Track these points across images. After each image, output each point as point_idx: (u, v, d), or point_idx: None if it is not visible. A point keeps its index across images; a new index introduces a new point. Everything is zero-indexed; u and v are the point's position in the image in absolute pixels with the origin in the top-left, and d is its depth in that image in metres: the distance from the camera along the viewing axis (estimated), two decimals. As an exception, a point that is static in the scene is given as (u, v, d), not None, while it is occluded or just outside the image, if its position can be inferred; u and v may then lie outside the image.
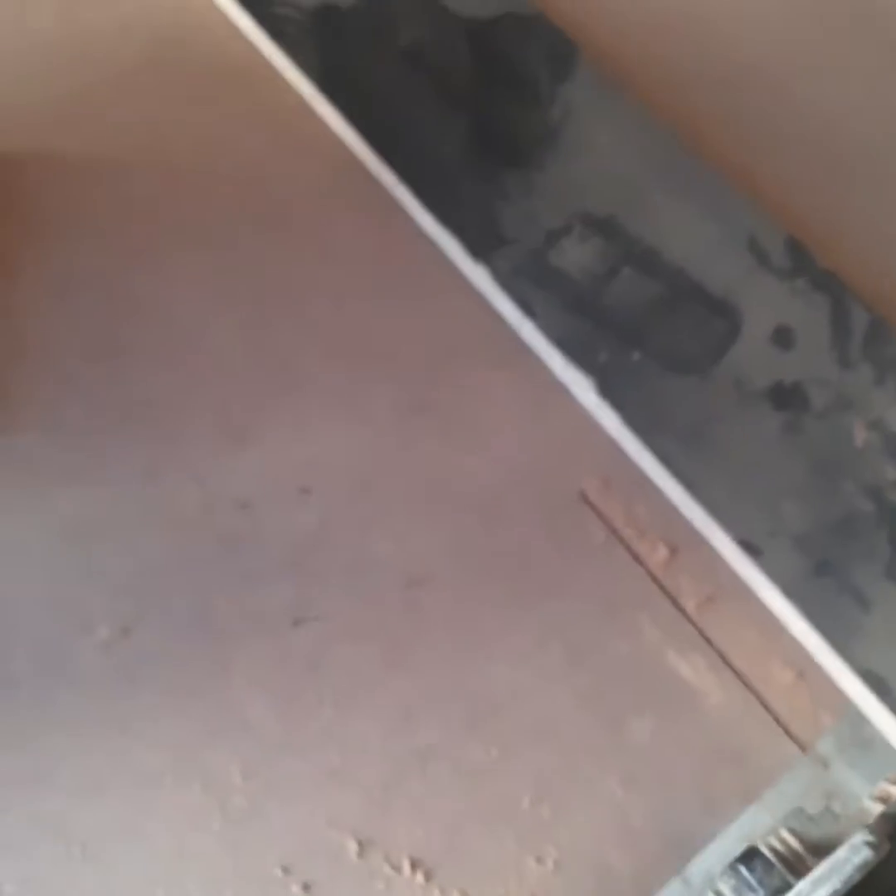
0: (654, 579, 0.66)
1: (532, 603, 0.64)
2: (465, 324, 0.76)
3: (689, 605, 0.66)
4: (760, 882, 0.49)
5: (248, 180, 0.81)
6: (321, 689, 0.59)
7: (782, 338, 0.79)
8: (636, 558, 0.67)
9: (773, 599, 0.68)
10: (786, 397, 0.76)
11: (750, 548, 0.68)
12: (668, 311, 0.80)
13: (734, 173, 0.88)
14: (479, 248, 0.79)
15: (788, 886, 0.47)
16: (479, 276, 0.78)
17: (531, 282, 0.79)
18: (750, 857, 0.50)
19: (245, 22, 0.92)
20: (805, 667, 0.65)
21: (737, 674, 0.63)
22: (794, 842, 0.53)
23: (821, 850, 0.51)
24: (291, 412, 0.69)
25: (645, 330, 0.78)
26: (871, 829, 0.48)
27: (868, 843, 0.47)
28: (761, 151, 0.93)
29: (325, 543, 0.64)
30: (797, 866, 0.51)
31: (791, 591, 0.67)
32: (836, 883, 0.45)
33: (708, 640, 0.64)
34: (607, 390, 0.74)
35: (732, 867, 0.50)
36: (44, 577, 0.61)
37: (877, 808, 0.54)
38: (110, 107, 0.85)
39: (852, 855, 0.46)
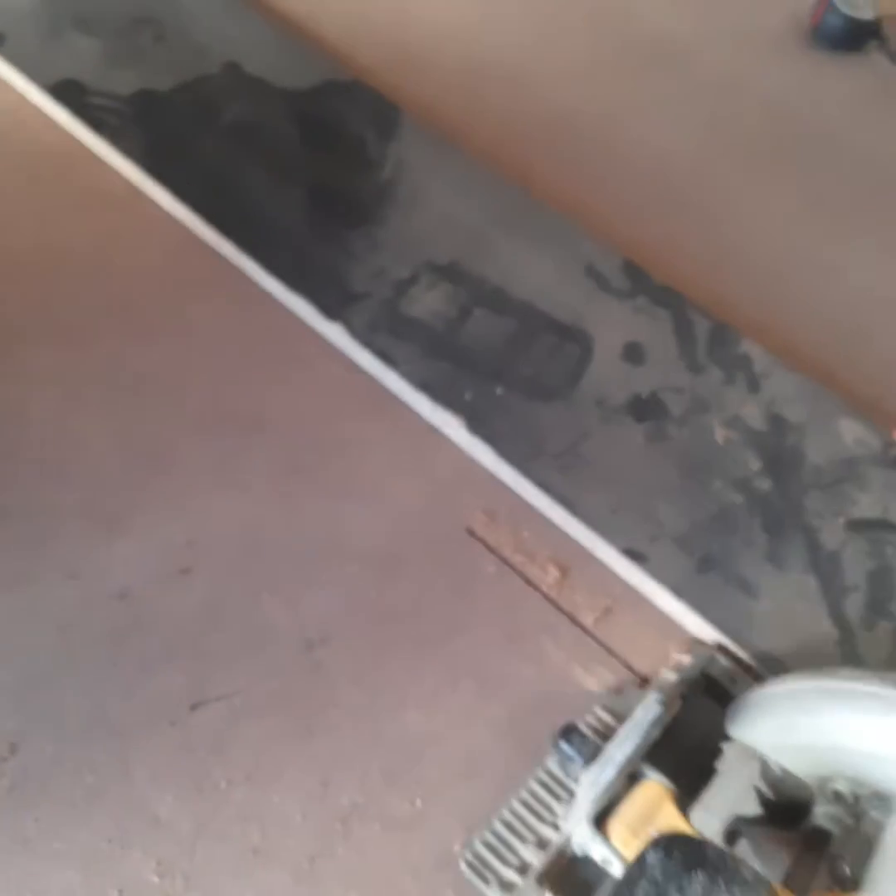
0: (550, 601, 0.67)
1: (436, 644, 0.64)
2: (329, 382, 0.76)
3: (588, 621, 0.67)
4: (578, 751, 0.54)
5: (90, 272, 0.80)
6: (230, 771, 0.56)
7: (633, 353, 0.83)
8: (530, 583, 0.68)
9: (666, 601, 0.69)
10: (645, 408, 0.80)
11: (635, 555, 0.70)
12: (523, 344, 0.82)
13: (564, 207, 0.93)
14: (331, 307, 0.80)
15: (600, 750, 0.52)
16: (335, 334, 0.79)
17: (388, 332, 0.80)
18: (568, 731, 0.55)
19: (62, 116, 0.91)
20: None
21: (639, 678, 0.64)
22: (606, 716, 0.58)
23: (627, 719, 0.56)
24: (163, 494, 0.67)
25: (504, 364, 0.80)
26: (661, 690, 0.54)
27: (658, 702, 0.52)
28: (586, 186, 0.99)
29: (215, 621, 0.62)
30: (608, 734, 0.55)
31: (681, 590, 0.69)
32: (635, 738, 0.51)
33: (610, 651, 0.65)
34: (477, 426, 0.75)
35: (554, 744, 0.55)
36: (-87, 706, 0.56)
37: (671, 677, 0.60)
38: (-70, 212, 0.82)
39: (646, 713, 0.52)
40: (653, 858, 0.39)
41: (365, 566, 0.67)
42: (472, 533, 0.70)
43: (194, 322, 0.78)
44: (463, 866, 0.53)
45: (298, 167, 0.91)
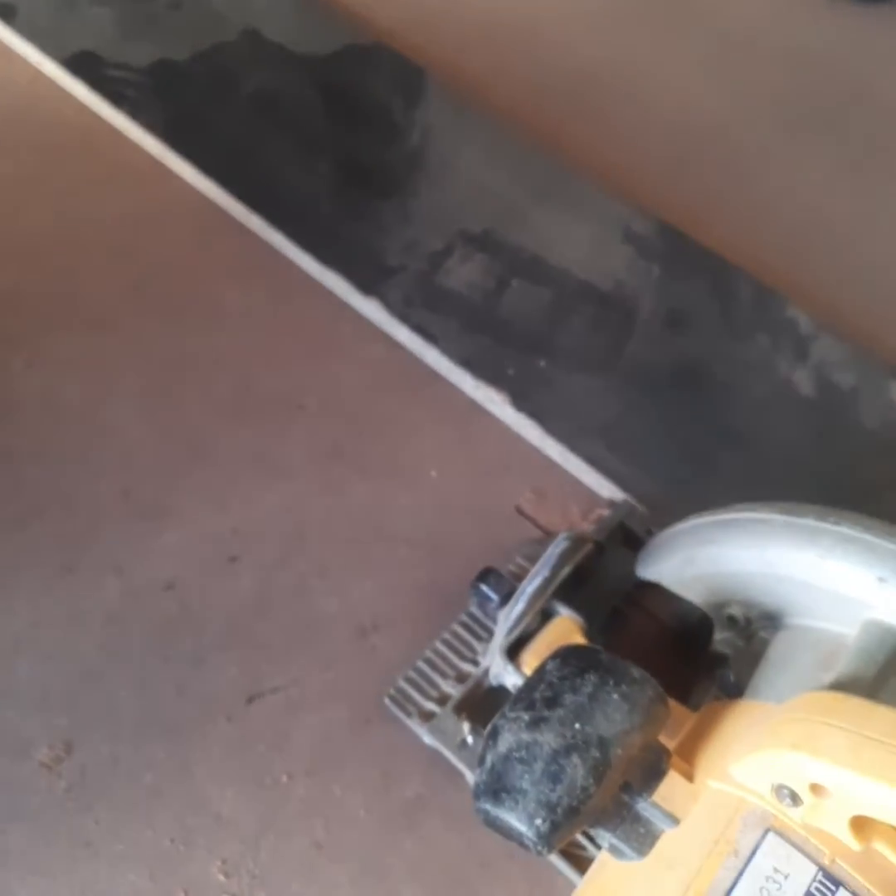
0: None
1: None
2: (367, 360, 0.74)
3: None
4: (495, 591, 0.56)
5: (115, 252, 0.77)
6: (290, 765, 0.55)
7: (675, 320, 0.80)
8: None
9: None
10: (690, 377, 0.77)
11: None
12: (563, 314, 0.80)
13: (593, 168, 0.90)
14: (366, 282, 0.78)
15: (515, 588, 0.54)
16: (371, 310, 0.77)
17: (424, 307, 0.77)
18: (486, 573, 0.57)
19: (79, 90, 0.89)
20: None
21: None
22: (525, 563, 0.61)
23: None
24: (203, 482, 0.66)
25: (545, 336, 0.78)
26: (572, 531, 0.57)
27: (566, 538, 0.55)
28: (614, 145, 0.95)
29: (265, 610, 0.61)
30: (523, 576, 0.56)
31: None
32: (544, 571, 0.53)
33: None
34: (522, 402, 0.73)
35: (473, 586, 0.57)
36: (-36, 706, 0.55)
37: (588, 527, 0.64)
38: (-50, 195, 0.80)
39: (555, 548, 0.55)
40: (551, 666, 0.41)
41: (414, 548, 0.65)
42: (520, 511, 0.68)
43: (224, 302, 0.76)
44: (386, 701, 0.57)
45: (323, 137, 0.88)
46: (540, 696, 0.39)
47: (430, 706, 0.56)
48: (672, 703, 0.43)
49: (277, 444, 0.68)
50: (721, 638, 0.52)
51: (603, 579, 0.57)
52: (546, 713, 0.38)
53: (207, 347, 0.72)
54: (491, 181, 0.87)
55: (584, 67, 1.04)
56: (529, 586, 0.53)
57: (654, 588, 0.54)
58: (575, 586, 0.55)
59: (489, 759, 0.38)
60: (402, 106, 0.93)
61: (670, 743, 0.41)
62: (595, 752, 0.37)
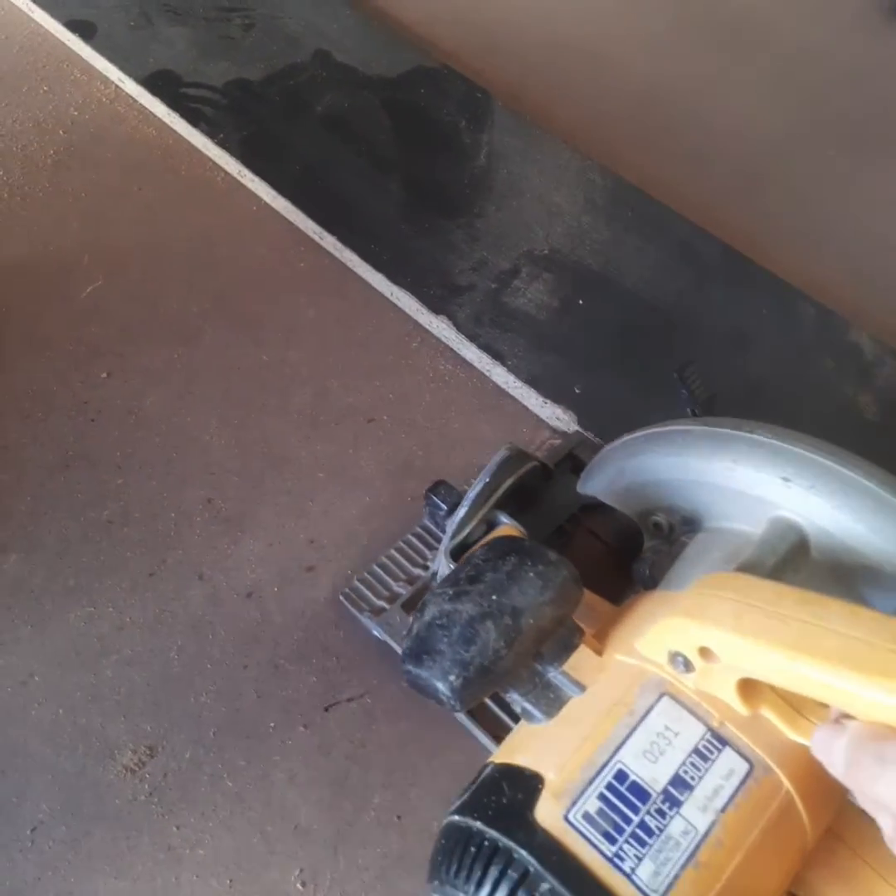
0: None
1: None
2: (436, 377, 0.75)
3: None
4: (444, 501, 0.59)
5: (194, 267, 0.79)
6: (367, 774, 0.56)
7: (739, 341, 0.81)
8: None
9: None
10: (754, 396, 0.78)
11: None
12: (629, 333, 0.80)
13: (655, 189, 0.91)
14: (435, 301, 0.79)
15: (461, 497, 0.56)
16: (441, 328, 0.78)
17: (492, 325, 0.78)
18: (437, 485, 0.60)
19: (159, 108, 0.91)
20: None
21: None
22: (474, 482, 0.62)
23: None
24: (280, 491, 0.67)
25: (611, 355, 0.78)
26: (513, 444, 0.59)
27: (506, 448, 0.58)
28: (675, 167, 0.96)
29: (341, 619, 0.62)
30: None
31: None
32: (485, 477, 0.56)
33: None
34: (588, 420, 0.74)
35: (425, 496, 0.60)
36: (52, 707, 0.56)
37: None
38: (37, 208, 0.82)
39: (496, 457, 0.57)
40: (479, 551, 0.45)
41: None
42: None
43: (300, 317, 0.77)
44: (341, 598, 0.61)
45: (393, 157, 0.90)
46: (464, 575, 0.43)
47: (381, 603, 0.61)
48: (599, 600, 0.48)
49: (351, 457, 0.69)
50: (649, 546, 0.56)
51: (550, 503, 0.62)
52: (468, 588, 0.42)
53: (284, 361, 0.74)
54: (556, 201, 0.88)
55: (645, 89, 1.05)
56: (472, 491, 0.55)
57: (597, 510, 0.60)
58: (522, 508, 0.57)
59: (415, 627, 0.42)
60: (469, 127, 0.94)
61: (591, 631, 0.44)
62: (507, 620, 0.41)
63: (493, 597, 0.41)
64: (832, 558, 0.46)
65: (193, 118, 0.89)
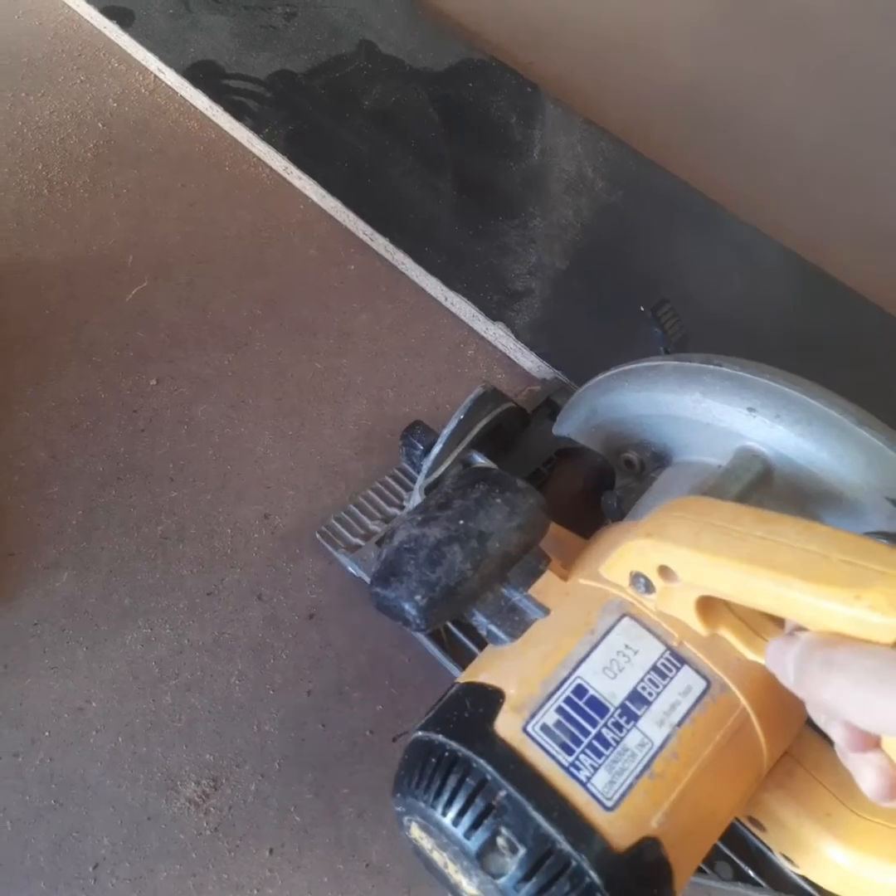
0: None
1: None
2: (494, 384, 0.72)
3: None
4: (420, 441, 0.60)
5: (242, 268, 0.77)
6: (438, 808, 0.54)
7: (802, 346, 0.78)
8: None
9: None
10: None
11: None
12: (690, 340, 0.78)
13: (708, 188, 0.88)
14: (491, 307, 0.76)
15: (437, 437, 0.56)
16: (498, 335, 0.75)
17: (550, 333, 0.76)
18: (413, 425, 0.60)
19: (201, 100, 0.88)
20: None
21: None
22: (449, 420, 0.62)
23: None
24: (342, 509, 0.64)
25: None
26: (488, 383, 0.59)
27: (481, 386, 0.58)
28: (728, 165, 0.93)
29: (406, 645, 0.59)
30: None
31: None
32: (460, 415, 0.55)
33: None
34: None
35: (402, 437, 0.60)
36: (111, 734, 0.54)
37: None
38: (78, 204, 0.79)
39: (470, 395, 0.57)
40: (449, 480, 0.47)
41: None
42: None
43: (352, 323, 0.75)
44: (317, 536, 0.62)
45: (443, 154, 0.87)
46: (434, 503, 0.44)
47: (357, 541, 0.61)
48: (569, 535, 0.49)
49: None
50: (621, 484, 0.57)
51: (527, 447, 0.63)
52: (436, 514, 0.43)
53: (337, 369, 0.71)
54: (612, 201, 0.85)
55: (695, 84, 1.02)
56: (446, 429, 0.55)
57: (572, 453, 0.61)
58: (499, 451, 0.58)
59: (384, 552, 0.44)
60: (520, 123, 0.91)
61: (559, 562, 0.45)
62: (474, 543, 0.42)
63: (461, 521, 0.43)
64: (795, 486, 0.47)
65: (237, 112, 0.86)
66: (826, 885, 0.44)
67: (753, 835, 0.47)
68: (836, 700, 0.30)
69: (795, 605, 0.32)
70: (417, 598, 0.41)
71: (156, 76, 0.91)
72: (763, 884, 0.49)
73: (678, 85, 1.01)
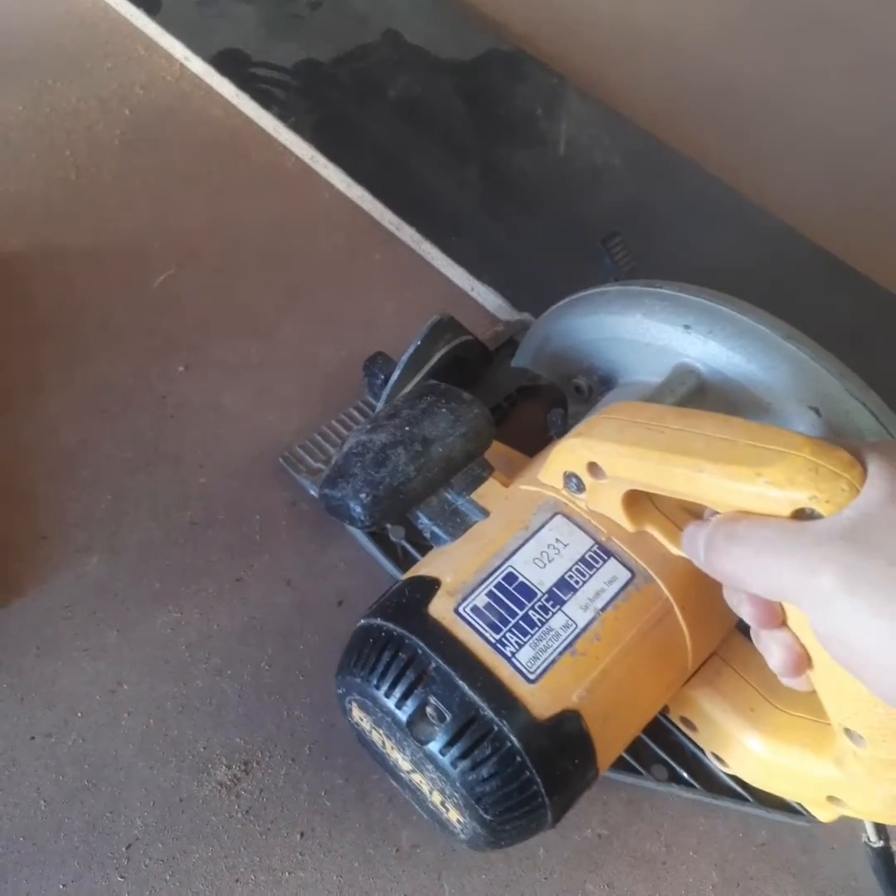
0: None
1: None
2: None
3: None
4: (381, 370, 0.62)
5: (267, 256, 0.77)
6: (466, 795, 0.54)
7: (854, 341, 0.78)
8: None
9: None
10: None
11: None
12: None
13: (740, 184, 0.88)
14: (519, 299, 0.76)
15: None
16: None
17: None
18: (375, 357, 0.64)
19: (227, 88, 0.88)
20: None
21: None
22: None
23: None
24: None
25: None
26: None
27: (439, 315, 0.60)
28: (756, 161, 0.93)
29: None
30: None
31: None
32: (417, 341, 0.58)
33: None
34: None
35: (365, 368, 0.64)
36: (142, 717, 0.54)
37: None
38: (105, 190, 0.80)
39: (427, 322, 0.60)
40: (400, 395, 0.49)
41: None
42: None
43: (379, 313, 0.75)
44: (281, 461, 0.64)
45: (470, 145, 0.87)
46: (383, 414, 0.48)
47: (319, 465, 0.63)
48: (519, 455, 0.52)
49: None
50: (573, 411, 0.59)
51: (490, 383, 0.65)
52: (384, 422, 0.47)
53: (364, 357, 0.71)
54: (638, 195, 0.85)
55: (719, 80, 1.01)
56: (404, 356, 0.58)
57: (533, 390, 0.64)
58: (462, 387, 0.58)
59: (334, 459, 0.47)
60: (546, 115, 0.91)
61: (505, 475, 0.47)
62: (418, 447, 0.45)
63: (407, 428, 0.46)
64: (726, 399, 0.49)
65: (263, 100, 0.86)
66: (749, 777, 0.48)
67: (687, 738, 0.51)
68: (737, 569, 0.33)
69: (704, 486, 0.34)
70: (362, 496, 0.44)
71: (182, 64, 0.91)
72: (697, 786, 0.52)
73: (706, 79, 1.01)
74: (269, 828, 0.52)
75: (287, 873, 0.51)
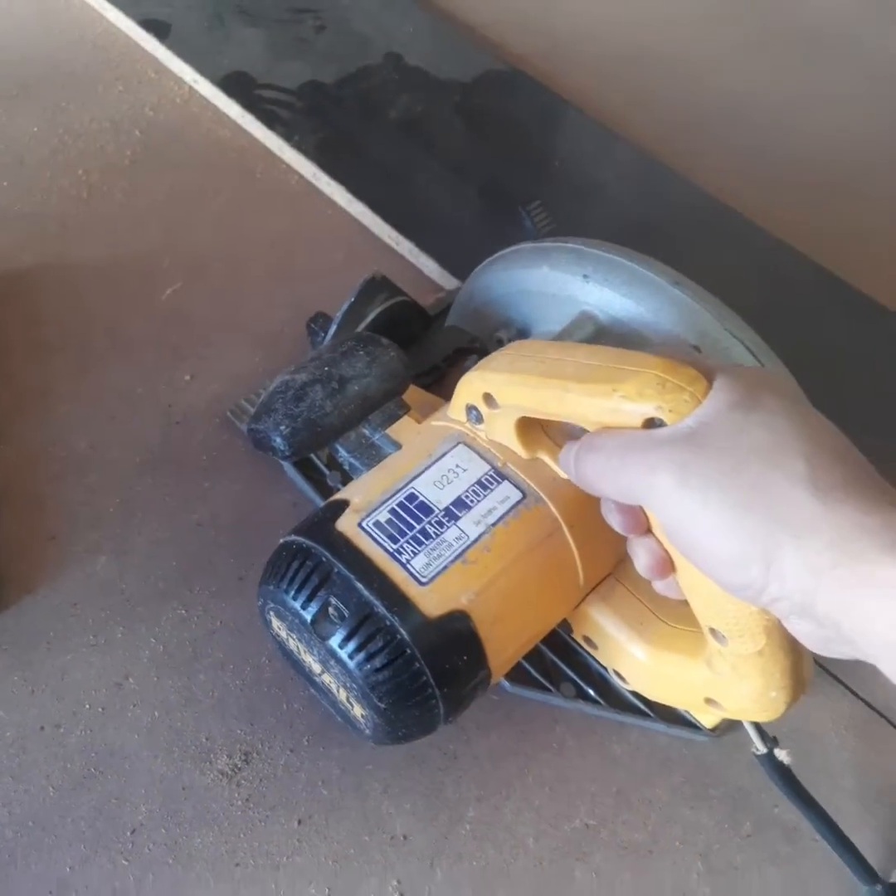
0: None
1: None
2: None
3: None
4: (322, 328, 0.67)
5: (275, 272, 0.79)
6: (461, 787, 0.56)
7: (840, 361, 0.79)
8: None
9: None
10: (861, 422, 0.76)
11: None
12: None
13: (738, 204, 0.90)
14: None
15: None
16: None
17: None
18: (316, 316, 0.69)
19: (234, 109, 0.91)
20: None
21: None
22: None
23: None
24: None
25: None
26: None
27: (372, 273, 0.65)
28: (758, 182, 0.95)
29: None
30: None
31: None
32: (351, 298, 0.63)
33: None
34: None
35: (307, 326, 0.69)
36: (148, 708, 0.57)
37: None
38: (116, 208, 0.83)
39: (360, 280, 0.64)
40: (324, 345, 0.54)
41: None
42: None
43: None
44: (228, 414, 0.69)
45: (469, 163, 0.90)
46: (308, 359, 0.52)
47: None
48: (438, 399, 0.55)
49: None
50: None
51: (428, 346, 0.68)
52: (307, 364, 0.52)
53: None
54: (636, 213, 0.88)
55: (721, 101, 1.04)
56: (339, 313, 0.62)
57: (469, 352, 0.66)
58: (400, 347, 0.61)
59: (261, 399, 0.51)
60: (544, 133, 0.94)
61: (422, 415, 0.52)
62: (334, 384, 0.50)
63: (325, 368, 0.50)
64: (620, 342, 0.52)
65: (269, 120, 0.89)
66: (642, 688, 0.52)
67: (594, 659, 0.55)
68: (595, 475, 0.36)
69: (571, 405, 0.38)
70: (282, 428, 0.49)
71: (191, 86, 0.94)
72: (602, 702, 0.56)
73: (707, 102, 1.03)
74: (268, 815, 0.54)
75: (285, 858, 0.53)
